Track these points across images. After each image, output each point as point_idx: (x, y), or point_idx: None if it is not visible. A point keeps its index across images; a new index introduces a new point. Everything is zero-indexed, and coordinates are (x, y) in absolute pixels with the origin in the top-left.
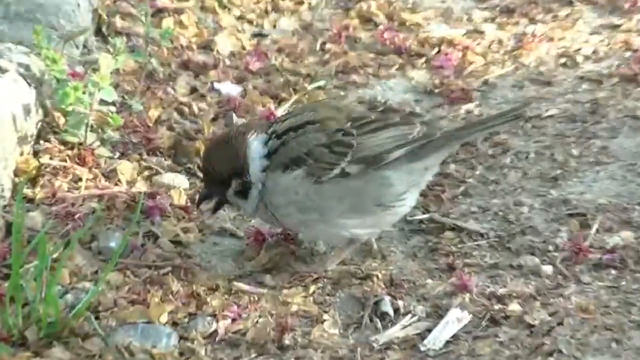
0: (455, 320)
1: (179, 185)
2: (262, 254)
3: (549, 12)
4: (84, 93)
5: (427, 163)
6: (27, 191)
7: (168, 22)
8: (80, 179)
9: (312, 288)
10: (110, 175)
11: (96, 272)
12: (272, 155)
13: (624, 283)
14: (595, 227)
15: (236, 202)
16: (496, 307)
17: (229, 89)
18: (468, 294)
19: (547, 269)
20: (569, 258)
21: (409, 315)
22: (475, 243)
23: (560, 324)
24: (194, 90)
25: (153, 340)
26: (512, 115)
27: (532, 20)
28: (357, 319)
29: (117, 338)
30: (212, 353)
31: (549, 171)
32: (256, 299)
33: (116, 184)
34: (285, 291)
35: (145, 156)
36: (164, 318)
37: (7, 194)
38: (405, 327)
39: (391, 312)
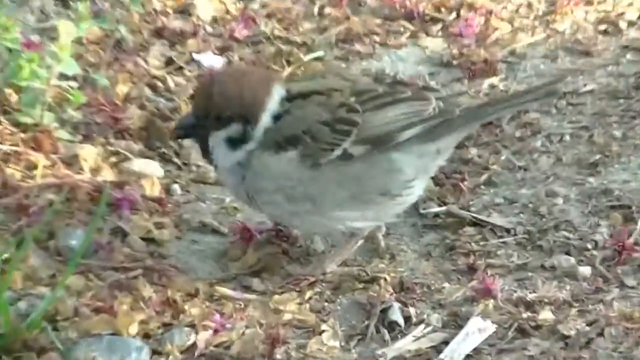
0: (477, 330)
1: (151, 174)
2: (250, 254)
3: None
4: (40, 66)
5: (440, 145)
6: None
7: None
8: (36, 166)
9: (309, 293)
10: (71, 161)
11: (54, 275)
12: (277, 120)
13: None
14: None
15: (218, 151)
16: (525, 315)
17: (211, 60)
18: (492, 300)
19: (585, 270)
20: (611, 258)
21: (422, 325)
22: (501, 240)
23: (600, 334)
24: (169, 62)
25: (121, 354)
26: (544, 91)
27: None
28: (361, 329)
29: (79, 353)
30: None
31: (587, 156)
32: (242, 306)
33: (78, 172)
34: (276, 297)
35: (111, 139)
36: (134, 329)
37: None
38: (417, 338)
39: (401, 322)
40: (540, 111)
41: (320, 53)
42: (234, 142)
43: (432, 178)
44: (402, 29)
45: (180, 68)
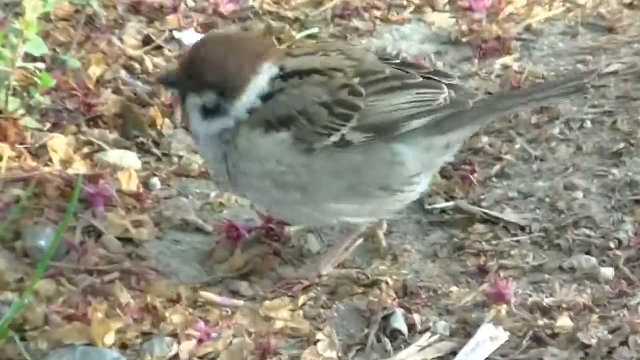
0: (489, 339)
1: (128, 166)
2: (237, 255)
3: None
4: (3, 46)
5: (450, 139)
6: None
7: None
8: (0, 158)
9: (302, 299)
10: (40, 152)
11: (21, 279)
12: (267, 100)
13: None
14: None
15: (193, 118)
16: (541, 322)
17: (193, 38)
18: (505, 306)
19: (608, 272)
20: (636, 258)
21: (428, 334)
22: (514, 239)
23: (624, 343)
24: (147, 41)
25: None
26: (572, 87)
27: None
28: (360, 338)
29: None
30: None
31: (610, 145)
32: (229, 313)
33: (47, 165)
34: (267, 303)
35: (84, 128)
36: (110, 339)
37: None
38: (423, 349)
39: (405, 330)
40: None
41: (314, 30)
42: (208, 113)
43: (439, 170)
44: (405, 3)
45: (160, 47)
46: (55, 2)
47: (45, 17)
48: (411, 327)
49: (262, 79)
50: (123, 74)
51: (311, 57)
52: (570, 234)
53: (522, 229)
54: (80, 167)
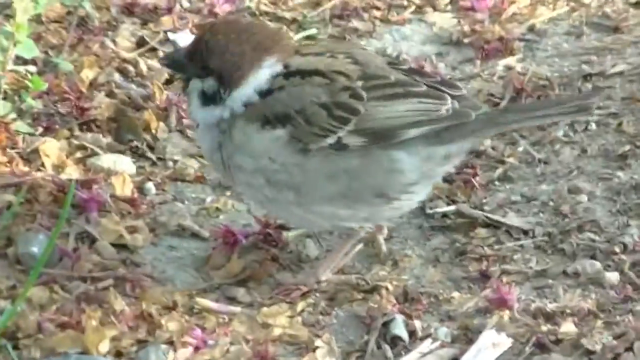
0: (491, 345)
1: (122, 170)
2: (234, 261)
3: None
4: None
5: (450, 150)
6: None
7: None
8: None
9: (301, 305)
10: (31, 157)
11: (14, 286)
12: (265, 96)
13: None
14: None
15: (192, 101)
16: (544, 328)
17: (189, 40)
18: (507, 311)
19: (612, 276)
20: None
21: (429, 340)
22: (517, 243)
23: (629, 349)
24: (141, 42)
25: None
26: (576, 107)
27: None
28: (360, 345)
29: None
30: None
31: (615, 147)
32: (226, 320)
33: (39, 169)
34: (264, 310)
35: (77, 132)
36: (105, 347)
37: None
38: (424, 355)
39: (405, 336)
40: (562, 96)
41: (312, 31)
42: (207, 99)
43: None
44: (405, 3)
45: (154, 49)
46: (47, 4)
47: (37, 19)
48: (412, 333)
49: (262, 74)
50: (116, 76)
51: (318, 57)
52: (574, 238)
53: (525, 233)
54: (73, 172)
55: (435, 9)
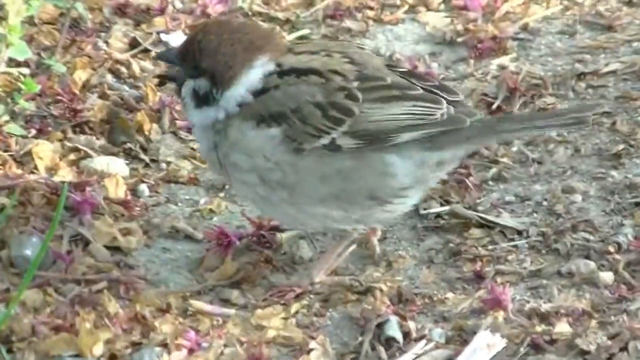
0: (485, 346)
1: (115, 173)
2: (228, 263)
3: None
4: None
5: (444, 156)
6: None
7: None
8: None
9: (295, 307)
10: (24, 159)
11: (7, 290)
12: (259, 95)
13: None
14: None
15: (186, 102)
16: (539, 328)
17: (181, 41)
18: (502, 312)
19: (607, 276)
20: (636, 262)
21: (424, 341)
22: (511, 244)
23: (623, 349)
24: (133, 43)
25: None
26: (572, 119)
27: None
28: (354, 347)
29: None
30: None
31: (609, 146)
32: (220, 322)
33: (32, 172)
34: (259, 312)
35: (70, 134)
36: (99, 349)
37: None
38: (418, 356)
39: (399, 338)
40: (556, 95)
41: (305, 31)
42: (200, 99)
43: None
44: (398, 2)
45: (147, 50)
46: (39, 5)
47: (29, 21)
48: (406, 334)
49: (254, 74)
50: (109, 78)
51: (312, 56)
52: (569, 237)
53: (519, 233)
54: (66, 174)
55: (428, 8)
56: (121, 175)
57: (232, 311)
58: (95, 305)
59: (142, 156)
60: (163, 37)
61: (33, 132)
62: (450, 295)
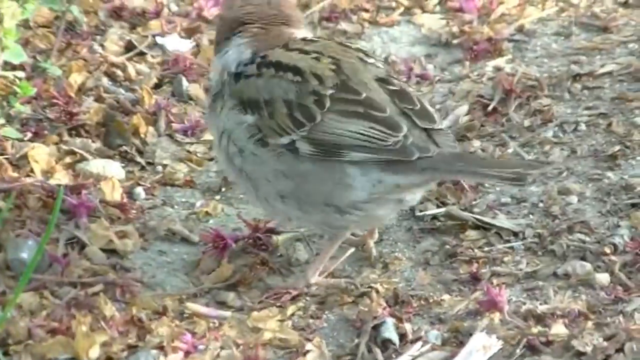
0: (481, 348)
1: (111, 175)
2: (224, 265)
3: None
4: None
5: (400, 181)
6: None
7: None
8: None
9: (291, 309)
10: (20, 162)
11: (3, 292)
12: (240, 78)
13: None
14: None
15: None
16: (535, 329)
17: (177, 44)
18: (498, 314)
19: (603, 277)
20: (632, 263)
21: (420, 343)
22: (507, 245)
23: (619, 350)
24: (129, 46)
25: None
26: (510, 176)
27: None
28: (350, 348)
29: None
30: None
31: (605, 147)
32: (217, 324)
33: (28, 175)
34: (255, 314)
35: (65, 137)
36: (95, 352)
37: None
38: (415, 358)
39: (396, 339)
40: (552, 97)
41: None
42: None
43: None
44: (394, 4)
45: (142, 53)
46: (35, 8)
47: (25, 24)
48: (402, 336)
49: (232, 52)
50: (105, 81)
51: (302, 55)
52: (565, 239)
53: (515, 234)
54: (62, 177)
55: (423, 10)
56: (117, 178)
57: (228, 313)
58: (92, 308)
59: (138, 159)
60: (159, 40)
61: (29, 135)
62: (446, 296)
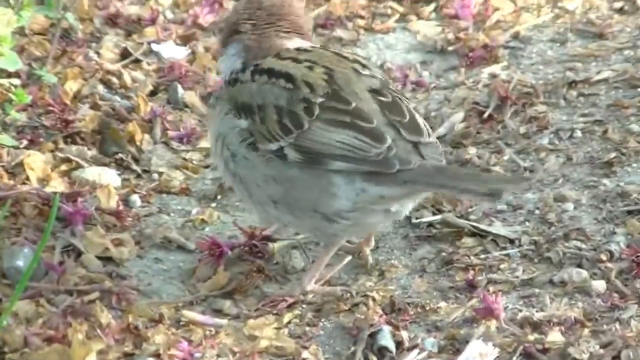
0: (478, 355)
1: (107, 183)
2: (220, 273)
3: None
4: None
5: (384, 192)
6: None
7: None
8: None
9: (287, 317)
10: (16, 170)
11: None
12: (232, 84)
13: None
14: None
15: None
16: (531, 337)
17: (172, 51)
18: (494, 321)
19: (599, 285)
20: (628, 270)
21: (416, 351)
22: (504, 252)
23: (616, 358)
24: (125, 54)
25: None
26: (486, 192)
27: None
28: (347, 356)
29: None
30: None
31: (601, 154)
32: (213, 332)
33: (24, 183)
34: (251, 322)
35: (61, 144)
36: None
37: None
38: None
39: (392, 347)
40: (547, 103)
41: None
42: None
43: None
44: (389, 11)
45: (138, 61)
46: (30, 16)
47: (20, 31)
48: (399, 344)
49: (228, 59)
50: (100, 88)
51: (294, 63)
52: (561, 246)
53: (511, 242)
54: (57, 185)
55: (419, 17)
56: (113, 186)
57: (224, 321)
58: (88, 316)
59: (134, 167)
60: (154, 47)
61: (24, 142)
62: (442, 304)
